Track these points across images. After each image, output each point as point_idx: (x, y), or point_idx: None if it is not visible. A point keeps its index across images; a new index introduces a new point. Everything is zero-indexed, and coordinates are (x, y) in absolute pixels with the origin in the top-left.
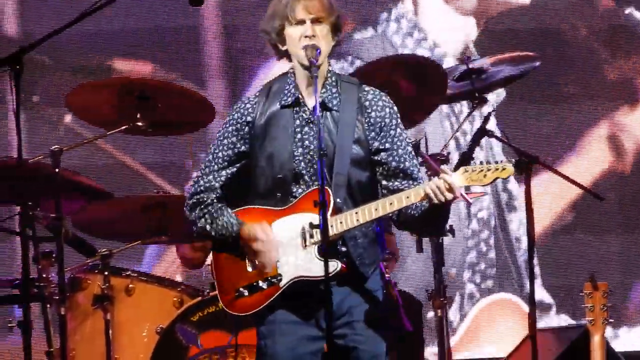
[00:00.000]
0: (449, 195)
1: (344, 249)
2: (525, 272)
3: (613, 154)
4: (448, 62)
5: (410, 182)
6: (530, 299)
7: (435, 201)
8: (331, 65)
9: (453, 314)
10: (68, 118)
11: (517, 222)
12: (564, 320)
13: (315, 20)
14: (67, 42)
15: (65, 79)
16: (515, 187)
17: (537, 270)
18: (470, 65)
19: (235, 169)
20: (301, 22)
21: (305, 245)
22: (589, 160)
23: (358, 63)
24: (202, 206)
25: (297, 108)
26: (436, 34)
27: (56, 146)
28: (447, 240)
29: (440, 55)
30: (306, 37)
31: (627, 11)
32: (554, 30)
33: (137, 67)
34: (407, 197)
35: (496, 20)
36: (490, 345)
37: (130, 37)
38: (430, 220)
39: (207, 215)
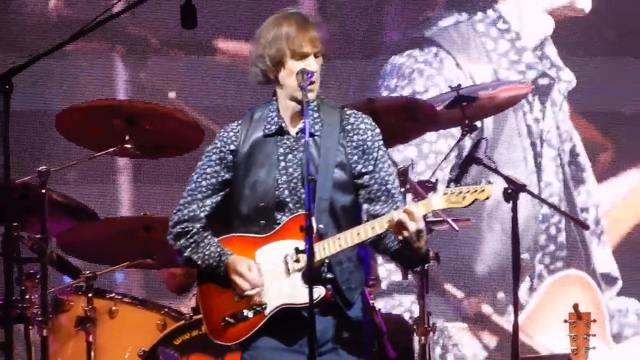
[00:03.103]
0: (412, 225)
1: (329, 275)
2: (591, 247)
3: None
4: (527, 57)
5: (391, 204)
6: (514, 327)
7: (400, 235)
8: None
9: (523, 293)
10: (172, 94)
11: (585, 194)
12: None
13: (316, 54)
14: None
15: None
16: (584, 159)
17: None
18: (460, 93)
19: (219, 198)
20: (306, 55)
21: (289, 273)
22: None
23: (443, 53)
24: (188, 236)
25: (280, 136)
26: (519, 26)
27: (43, 167)
28: (521, 223)
29: (521, 47)
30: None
31: None
32: None
33: (240, 46)
34: (389, 221)
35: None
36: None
37: (231, 16)
38: (404, 257)
39: (193, 245)
